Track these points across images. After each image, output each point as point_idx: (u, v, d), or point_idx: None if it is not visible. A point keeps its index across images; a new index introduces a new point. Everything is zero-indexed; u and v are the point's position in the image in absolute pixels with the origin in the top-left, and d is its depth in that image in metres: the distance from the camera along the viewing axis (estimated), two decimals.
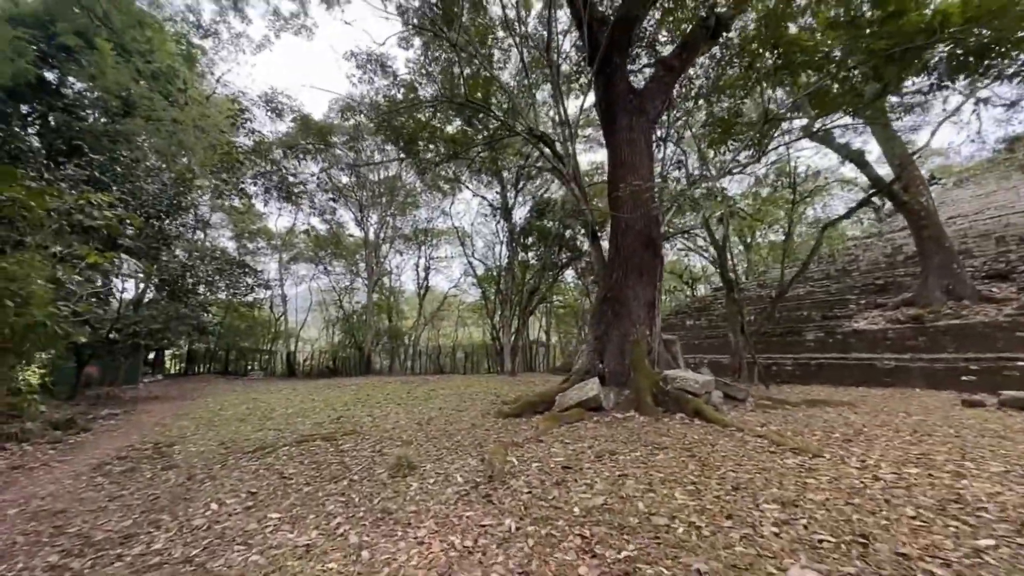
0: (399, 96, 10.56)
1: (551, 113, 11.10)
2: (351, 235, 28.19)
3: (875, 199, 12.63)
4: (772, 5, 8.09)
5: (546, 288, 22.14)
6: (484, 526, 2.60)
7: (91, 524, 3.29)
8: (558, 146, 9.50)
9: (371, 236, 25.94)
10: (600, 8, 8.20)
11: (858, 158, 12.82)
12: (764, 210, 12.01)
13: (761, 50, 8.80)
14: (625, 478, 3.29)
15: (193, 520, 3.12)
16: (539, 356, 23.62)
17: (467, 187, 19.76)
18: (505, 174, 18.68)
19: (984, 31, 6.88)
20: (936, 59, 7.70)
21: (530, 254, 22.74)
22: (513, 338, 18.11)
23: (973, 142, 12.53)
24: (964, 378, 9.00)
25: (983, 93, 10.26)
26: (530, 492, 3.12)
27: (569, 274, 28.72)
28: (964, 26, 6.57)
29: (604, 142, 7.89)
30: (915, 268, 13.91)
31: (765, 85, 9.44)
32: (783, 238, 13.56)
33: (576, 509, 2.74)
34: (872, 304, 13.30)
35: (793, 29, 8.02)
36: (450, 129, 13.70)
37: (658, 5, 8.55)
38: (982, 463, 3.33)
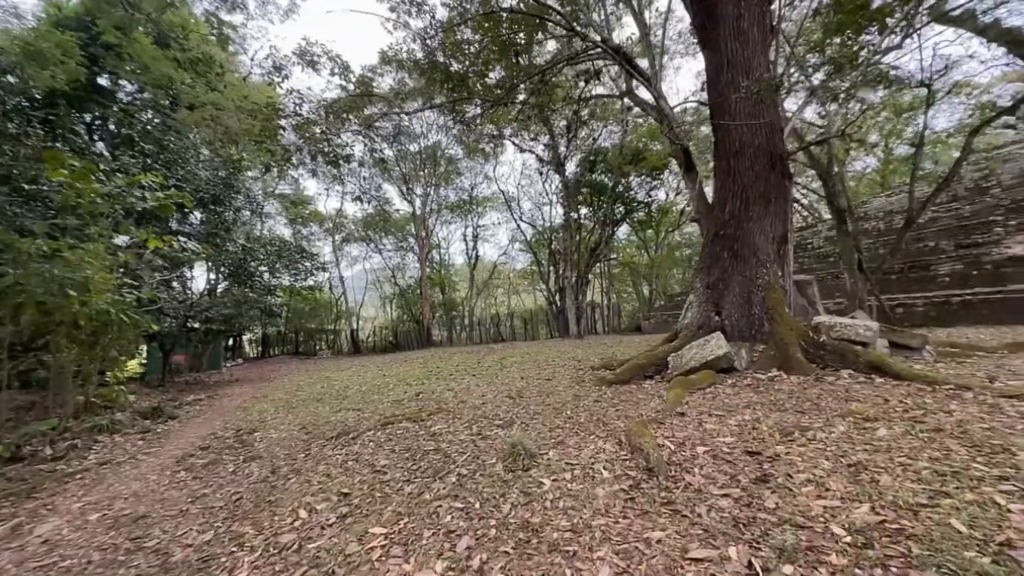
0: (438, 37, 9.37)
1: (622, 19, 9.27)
2: (398, 210, 27.90)
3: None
4: None
5: (604, 244, 20.64)
6: (696, 560, 1.67)
7: (171, 536, 2.77)
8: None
9: (417, 209, 25.44)
10: None
11: (1017, 37, 9.97)
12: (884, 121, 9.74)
13: None
14: (862, 469, 2.22)
15: (280, 535, 2.47)
16: (597, 317, 22.47)
17: (512, 142, 18.36)
18: (555, 123, 17.04)
19: None
20: None
21: (583, 211, 21.21)
22: (577, 299, 17.03)
23: None
24: None
25: None
26: (725, 494, 2.15)
27: (622, 231, 26.90)
28: None
29: (699, 43, 6.31)
30: None
31: None
32: (911, 149, 11.15)
33: (837, 529, 1.73)
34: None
35: None
36: (493, 76, 12.35)
37: None
38: None
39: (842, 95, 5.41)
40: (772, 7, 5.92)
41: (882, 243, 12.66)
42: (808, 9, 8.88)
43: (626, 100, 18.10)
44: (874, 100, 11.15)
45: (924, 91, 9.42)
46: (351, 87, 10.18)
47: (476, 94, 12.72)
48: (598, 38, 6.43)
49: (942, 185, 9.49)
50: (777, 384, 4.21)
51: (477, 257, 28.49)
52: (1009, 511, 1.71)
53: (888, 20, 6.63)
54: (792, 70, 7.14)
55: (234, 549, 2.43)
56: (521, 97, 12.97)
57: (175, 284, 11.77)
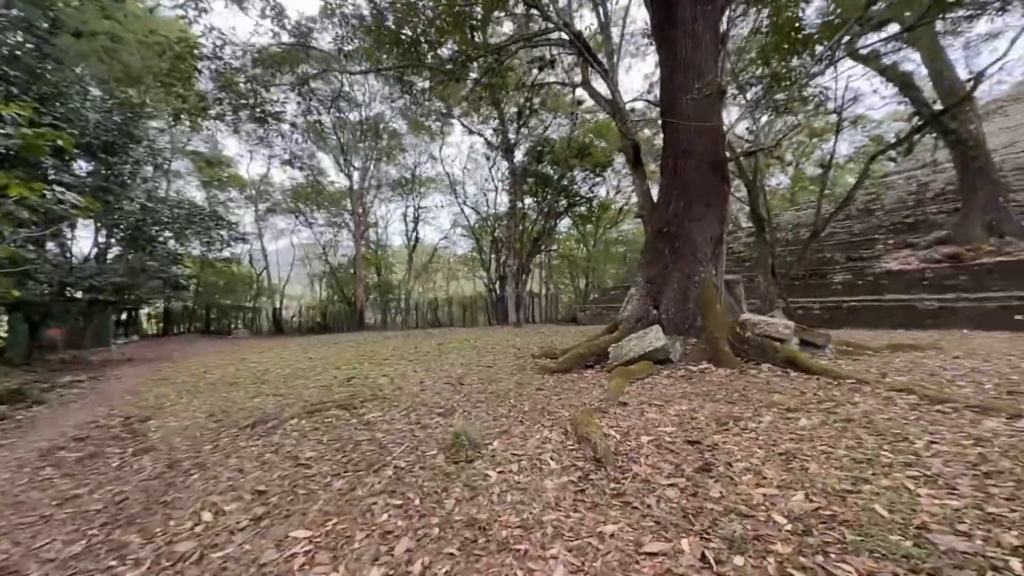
0: None
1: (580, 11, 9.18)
2: (333, 182, 26.01)
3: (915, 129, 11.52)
4: None
5: (546, 235, 20.92)
6: (650, 554, 1.63)
7: (24, 549, 2.24)
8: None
9: (355, 183, 23.89)
10: None
11: (908, 81, 11.52)
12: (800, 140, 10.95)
13: None
14: (792, 457, 2.36)
15: (176, 544, 2.09)
16: (535, 307, 22.86)
17: (461, 122, 17.79)
18: (506, 108, 16.74)
19: None
20: None
21: (527, 200, 21.30)
22: (518, 287, 17.10)
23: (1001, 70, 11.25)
24: (1017, 317, 8.47)
25: None
26: (672, 484, 2.17)
27: (563, 224, 27.45)
28: None
29: (656, 44, 6.43)
30: (947, 205, 13.16)
31: None
32: (819, 170, 12.49)
33: (778, 517, 1.79)
34: (902, 243, 12.60)
35: None
36: (445, 52, 11.74)
37: None
38: None
39: (782, 107, 5.79)
40: (724, 16, 6.16)
41: (789, 252, 14.14)
42: (748, 28, 9.50)
43: (579, 92, 18.35)
44: (798, 120, 12.31)
45: (835, 117, 10.57)
46: (285, 36, 9.08)
47: (426, 65, 12.07)
48: (560, 21, 6.30)
49: (843, 204, 10.74)
50: (708, 376, 4.46)
51: (417, 239, 27.53)
52: (919, 495, 1.87)
53: (817, 48, 7.25)
54: (731, 85, 7.57)
55: (113, 563, 2.01)
56: (473, 76, 12.55)
57: (50, 244, 9.90)
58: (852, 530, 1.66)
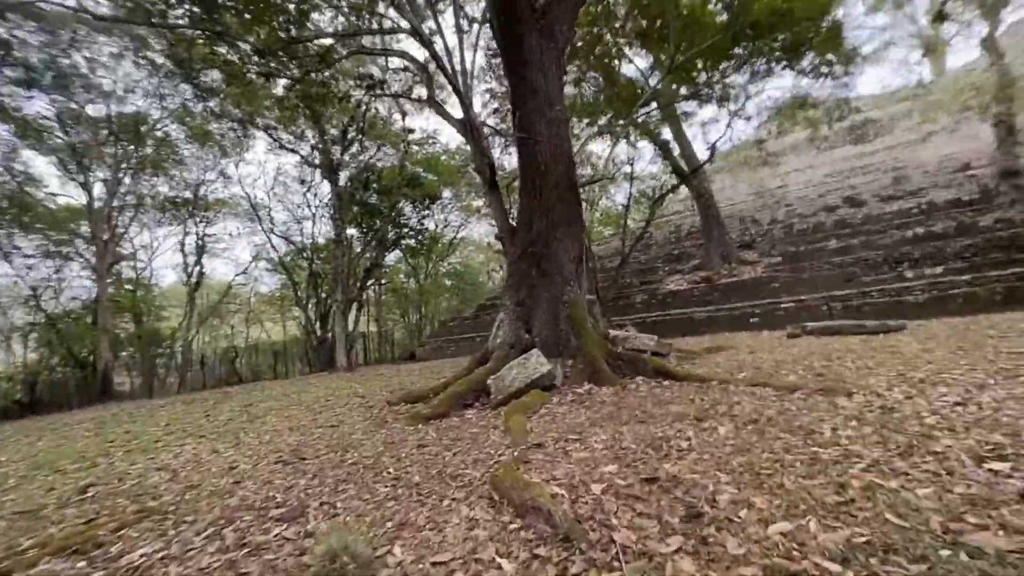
0: None
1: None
2: (54, 195, 18.45)
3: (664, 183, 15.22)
4: None
5: (377, 267, 19.26)
6: None
7: None
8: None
9: (97, 200, 17.45)
10: None
11: (665, 147, 15.16)
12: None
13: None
14: (757, 474, 2.15)
15: None
16: (365, 348, 20.58)
17: (269, 135, 15.01)
18: (328, 124, 14.91)
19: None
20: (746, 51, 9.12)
21: (352, 231, 19.37)
22: (350, 327, 14.91)
23: (730, 143, 16.19)
24: (752, 320, 11.58)
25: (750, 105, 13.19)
26: (676, 549, 1.63)
27: (390, 257, 26.11)
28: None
29: (505, 70, 6.46)
30: (695, 241, 17.63)
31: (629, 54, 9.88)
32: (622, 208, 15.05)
33: (823, 561, 1.43)
34: (673, 270, 16.17)
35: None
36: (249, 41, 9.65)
37: None
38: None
39: (621, 136, 6.43)
40: (564, 54, 6.65)
41: (602, 277, 16.48)
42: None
43: (406, 123, 17.96)
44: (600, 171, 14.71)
45: (628, 168, 13.01)
46: None
47: (215, 61, 9.71)
48: (410, 27, 5.68)
49: (639, 238, 13.07)
50: (597, 396, 4.27)
51: (202, 275, 21.69)
52: (906, 488, 1.81)
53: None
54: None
55: None
56: (285, 80, 10.71)
57: None
58: (907, 557, 1.40)
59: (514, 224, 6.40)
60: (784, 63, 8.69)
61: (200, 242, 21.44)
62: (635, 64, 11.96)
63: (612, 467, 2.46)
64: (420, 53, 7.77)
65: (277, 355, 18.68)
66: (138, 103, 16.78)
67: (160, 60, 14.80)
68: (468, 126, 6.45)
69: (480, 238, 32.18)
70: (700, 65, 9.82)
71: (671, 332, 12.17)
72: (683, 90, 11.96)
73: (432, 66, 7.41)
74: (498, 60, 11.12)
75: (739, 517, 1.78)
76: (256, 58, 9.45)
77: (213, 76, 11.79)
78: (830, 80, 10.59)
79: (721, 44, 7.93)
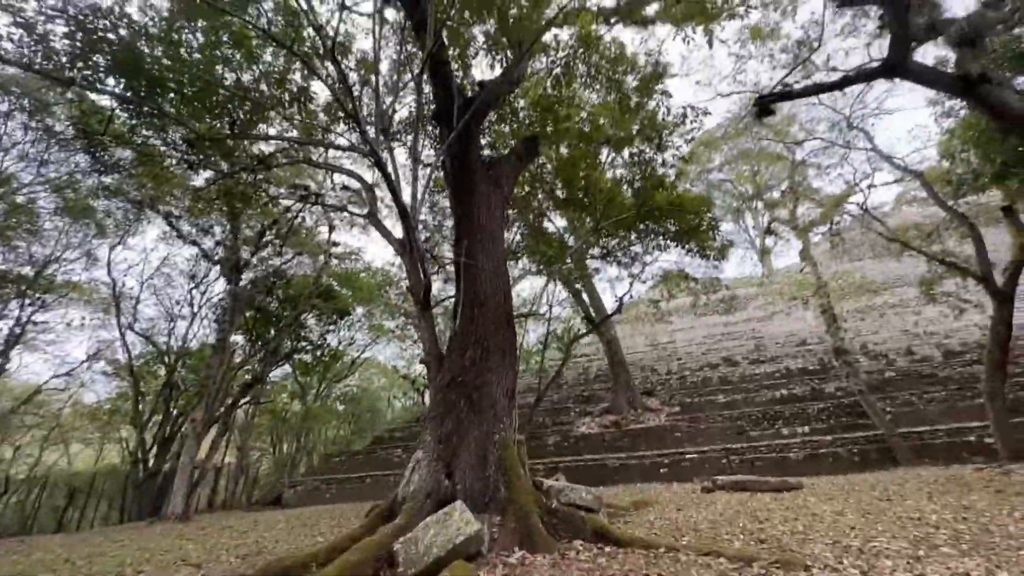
0: None
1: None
2: None
3: (582, 329, 16.40)
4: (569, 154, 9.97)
5: (260, 382, 16.39)
6: None
7: None
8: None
9: None
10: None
11: (578, 295, 16.74)
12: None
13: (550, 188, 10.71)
14: None
15: None
16: (207, 485, 16.13)
17: (170, 223, 13.52)
18: (243, 226, 14.02)
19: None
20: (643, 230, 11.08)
21: (238, 337, 16.93)
22: (201, 455, 11.69)
23: (631, 298, 18.45)
24: (662, 471, 11.52)
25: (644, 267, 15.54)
26: None
27: (277, 372, 22.90)
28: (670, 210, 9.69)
29: (453, 205, 6.85)
30: (603, 384, 18.36)
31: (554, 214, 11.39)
32: (539, 346, 15.38)
33: None
34: (583, 412, 16.25)
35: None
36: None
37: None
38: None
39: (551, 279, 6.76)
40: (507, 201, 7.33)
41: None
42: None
43: (331, 236, 17.73)
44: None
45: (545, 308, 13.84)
46: None
47: (131, 141, 9.09)
48: (367, 146, 5.85)
49: (555, 377, 13.14)
50: (535, 572, 3.49)
51: (1, 371, 16.43)
52: None
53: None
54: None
55: None
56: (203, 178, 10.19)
57: None
58: None
59: (443, 350, 5.99)
60: (675, 243, 10.68)
61: (18, 329, 16.80)
62: (554, 224, 13.89)
63: None
64: (368, 173, 8.05)
65: (74, 494, 13.62)
66: (7, 162, 14.46)
67: (59, 127, 13.47)
68: (408, 246, 6.41)
69: (387, 360, 30.20)
70: (611, 233, 11.58)
71: (587, 479, 11.53)
72: (596, 251, 13.81)
73: (378, 188, 7.62)
74: (439, 195, 12.04)
75: None
76: (184, 146, 9.01)
77: (121, 154, 10.84)
78: (706, 261, 13.15)
79: (629, 220, 9.56)
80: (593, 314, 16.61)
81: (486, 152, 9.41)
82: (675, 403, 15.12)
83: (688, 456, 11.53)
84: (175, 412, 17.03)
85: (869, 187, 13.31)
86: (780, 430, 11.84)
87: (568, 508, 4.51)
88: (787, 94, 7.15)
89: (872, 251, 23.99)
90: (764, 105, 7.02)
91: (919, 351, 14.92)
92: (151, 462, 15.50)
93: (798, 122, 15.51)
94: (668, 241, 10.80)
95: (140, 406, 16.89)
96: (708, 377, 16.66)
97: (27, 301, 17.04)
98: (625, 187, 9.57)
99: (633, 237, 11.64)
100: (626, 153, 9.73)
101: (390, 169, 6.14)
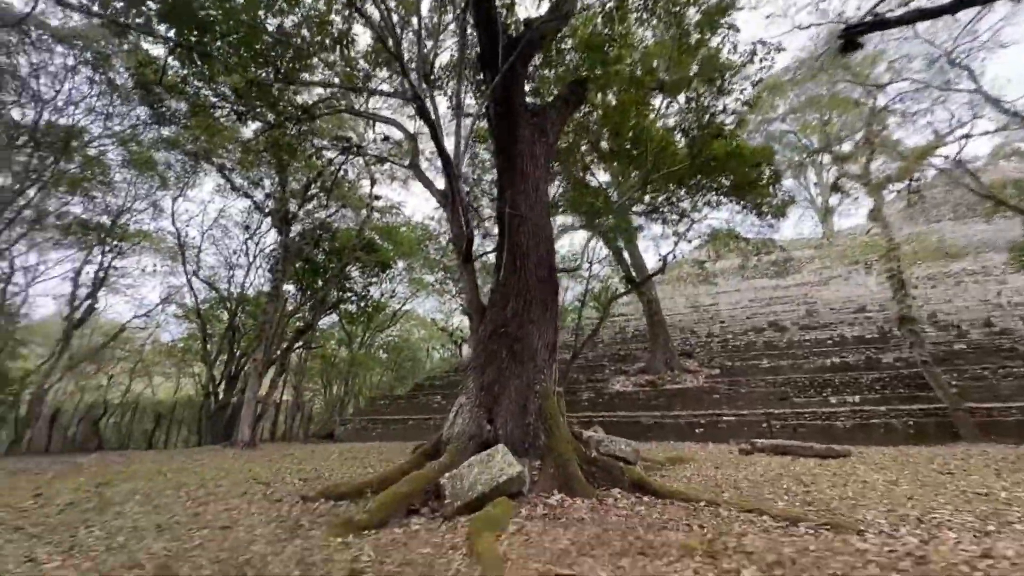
0: None
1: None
2: None
3: (620, 288, 16.09)
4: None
5: (311, 329, 17.51)
6: None
7: None
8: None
9: None
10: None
11: (619, 253, 16.27)
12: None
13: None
14: None
15: None
16: (268, 419, 17.79)
17: (224, 175, 14.12)
18: (291, 178, 14.41)
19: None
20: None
21: (289, 286, 17.92)
22: (262, 392, 12.85)
23: (674, 258, 17.75)
24: (697, 431, 11.50)
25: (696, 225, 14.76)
26: None
27: (325, 320, 24.24)
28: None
29: (496, 152, 6.62)
30: (640, 344, 18.20)
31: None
32: (577, 303, 15.33)
33: None
34: (619, 370, 16.27)
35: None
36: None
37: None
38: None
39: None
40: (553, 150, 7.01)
41: None
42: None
43: (373, 190, 17.94)
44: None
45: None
46: None
47: (184, 92, 9.30)
48: (410, 91, 5.69)
49: (592, 334, 13.17)
50: (573, 512, 3.61)
51: (92, 310, 18.42)
52: None
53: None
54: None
55: None
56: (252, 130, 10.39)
57: None
58: None
59: (486, 302, 6.03)
60: (730, 199, 9.94)
61: (102, 273, 18.58)
62: (596, 179, 13.28)
63: None
64: (409, 123, 7.89)
65: (160, 419, 15.46)
66: (77, 116, 15.38)
67: (119, 80, 14.05)
68: (451, 197, 6.34)
69: (425, 314, 31.25)
70: (659, 188, 10.95)
71: (619, 435, 11.68)
72: (641, 207, 13.18)
73: (420, 138, 7.49)
74: (480, 147, 11.74)
75: None
76: (232, 96, 9.16)
77: (176, 106, 11.21)
78: (760, 220, 12.27)
79: (680, 172, 8.94)
80: (634, 273, 16.16)
81: (530, 100, 8.96)
82: (715, 365, 14.79)
83: (725, 418, 11.39)
84: (238, 352, 18.62)
85: (964, 137, 11.68)
86: (828, 398, 11.37)
87: (607, 458, 4.59)
88: (881, 23, 6.16)
89: (954, 212, 21.50)
90: (851, 37, 6.08)
91: (1000, 323, 13.57)
92: (220, 395, 17.25)
93: (885, 60, 13.58)
94: (721, 196, 10.09)
95: (208, 346, 18.59)
96: (752, 341, 16.07)
97: (107, 248, 18.72)
98: (679, 136, 8.88)
99: (682, 192, 10.97)
100: (682, 98, 8.95)
101: (432, 116, 5.97)
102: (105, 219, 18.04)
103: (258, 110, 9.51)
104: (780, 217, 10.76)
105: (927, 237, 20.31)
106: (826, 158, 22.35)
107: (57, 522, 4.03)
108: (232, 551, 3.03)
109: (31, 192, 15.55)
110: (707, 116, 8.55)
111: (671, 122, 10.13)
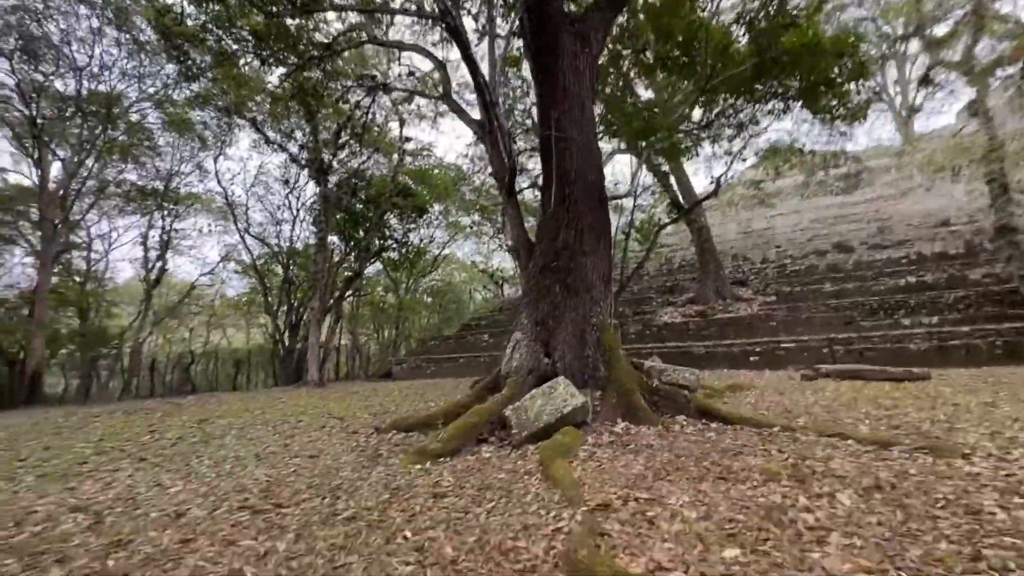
0: None
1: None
2: (2, 170, 16.78)
3: (664, 218, 15.20)
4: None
5: (358, 277, 18.20)
6: None
7: None
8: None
9: (52, 181, 15.94)
10: None
11: (665, 178, 15.18)
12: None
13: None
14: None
15: None
16: (330, 362, 19.19)
17: (257, 128, 14.12)
18: (321, 125, 14.18)
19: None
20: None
21: (333, 238, 18.38)
22: (323, 337, 13.77)
23: (726, 181, 16.37)
24: (751, 359, 11.23)
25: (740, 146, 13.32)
26: None
27: (370, 269, 24.98)
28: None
29: (534, 71, 6.01)
30: (687, 275, 17.54)
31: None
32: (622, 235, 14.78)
33: None
34: (666, 302, 15.89)
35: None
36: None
37: None
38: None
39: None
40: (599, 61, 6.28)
41: None
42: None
43: (403, 132, 17.40)
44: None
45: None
46: None
47: (204, 40, 9.02)
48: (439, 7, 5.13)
49: (640, 264, 12.70)
50: (641, 439, 3.61)
51: (164, 272, 20.00)
52: None
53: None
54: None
55: None
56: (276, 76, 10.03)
57: None
58: None
59: (532, 237, 5.81)
60: (802, 103, 8.67)
61: (165, 237, 19.88)
62: (638, 97, 12.01)
63: (734, 551, 1.78)
64: (436, 51, 7.26)
65: (239, 364, 17.12)
66: (113, 81, 15.61)
67: (143, 38, 13.91)
68: (488, 126, 5.92)
69: (464, 257, 31.55)
70: (713, 100, 9.77)
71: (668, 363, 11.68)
72: (689, 124, 11.94)
73: (449, 66, 6.90)
74: (511, 72, 10.83)
75: None
76: (252, 40, 8.80)
77: (201, 58, 11.00)
78: (831, 127, 10.80)
79: (744, 76, 7.81)
80: (681, 200, 15.15)
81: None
82: (770, 292, 14.07)
83: (783, 345, 10.96)
84: (296, 303, 19.86)
85: None
86: (900, 320, 10.59)
87: (669, 387, 4.52)
88: None
89: None
90: None
91: None
92: (287, 342, 18.74)
93: None
94: (789, 102, 8.84)
95: (268, 298, 19.90)
96: (813, 265, 15.01)
97: (165, 212, 19.83)
98: (742, 31, 7.68)
99: (741, 102, 9.72)
100: None
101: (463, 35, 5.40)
102: (158, 184, 18.94)
103: (280, 54, 9.15)
104: (858, 121, 9.38)
105: None
106: (913, 46, 19.05)
107: (172, 453, 4.57)
108: (324, 476, 3.30)
109: (89, 162, 16.41)
110: (776, 2, 7.26)
111: (728, 18, 8.76)
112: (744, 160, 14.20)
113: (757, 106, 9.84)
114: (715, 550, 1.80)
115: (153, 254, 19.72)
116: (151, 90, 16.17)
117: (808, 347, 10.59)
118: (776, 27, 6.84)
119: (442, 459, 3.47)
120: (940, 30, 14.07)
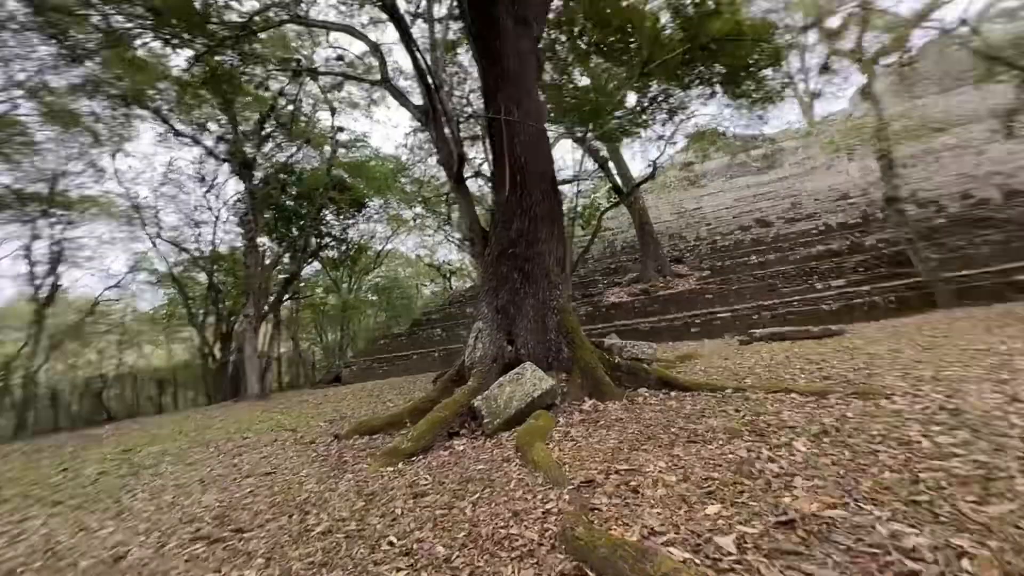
0: None
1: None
2: None
3: (611, 198, 15.79)
4: None
5: (297, 279, 17.02)
6: None
7: None
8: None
9: None
10: None
11: (604, 164, 15.66)
12: None
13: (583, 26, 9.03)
14: (929, 508, 1.72)
15: None
16: (278, 371, 17.97)
17: (162, 118, 12.55)
18: (240, 114, 12.89)
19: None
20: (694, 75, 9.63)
21: (263, 238, 17.01)
22: (263, 347, 12.74)
23: (660, 164, 17.23)
24: (692, 330, 12.04)
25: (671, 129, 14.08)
26: None
27: (307, 270, 23.53)
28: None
29: (477, 54, 5.85)
30: (630, 256, 18.36)
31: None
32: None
33: None
34: (612, 283, 16.55)
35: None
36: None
37: None
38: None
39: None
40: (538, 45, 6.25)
41: None
42: None
43: (335, 122, 16.33)
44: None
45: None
46: None
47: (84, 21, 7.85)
48: None
49: (585, 250, 13.10)
50: (609, 414, 3.72)
51: (56, 288, 17.40)
52: None
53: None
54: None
55: None
56: (184, 59, 8.98)
57: None
58: None
59: (485, 225, 5.73)
60: (726, 88, 9.30)
61: (56, 248, 17.26)
62: (574, 83, 12.23)
63: (715, 507, 1.88)
64: (368, 33, 6.82)
65: (162, 384, 15.43)
66: None
67: (5, 11, 11.76)
68: (433, 112, 5.70)
69: (409, 251, 30.66)
70: (647, 85, 10.17)
71: None
72: (624, 111, 12.35)
73: (385, 47, 6.53)
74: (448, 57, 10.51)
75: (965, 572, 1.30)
76: (149, 17, 7.74)
77: (85, 38, 9.51)
78: (750, 111, 11.72)
79: (674, 62, 8.20)
80: (620, 183, 15.74)
81: None
82: (704, 267, 15.12)
83: (719, 315, 11.86)
84: (225, 312, 18.20)
85: None
86: (814, 285, 11.84)
87: (630, 362, 4.70)
88: None
89: (939, 84, 20.97)
90: None
91: (977, 194, 13.91)
92: (217, 355, 17.16)
93: None
94: (716, 87, 9.44)
95: (191, 309, 18.06)
96: (740, 240, 16.32)
97: (53, 220, 17.18)
98: (671, 18, 8.01)
99: (672, 87, 10.22)
100: None
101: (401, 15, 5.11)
102: (40, 187, 16.32)
103: (185, 34, 8.13)
104: (774, 103, 10.25)
105: (909, 113, 19.99)
106: (811, 38, 21.07)
107: (94, 491, 4.01)
108: (286, 492, 3.06)
109: None
110: None
111: (657, 4, 9.12)
112: (675, 144, 15.01)
113: (686, 92, 10.41)
114: (699, 508, 1.89)
115: (41, 269, 17.06)
116: (20, 76, 13.76)
117: (740, 315, 11.54)
118: (701, 14, 7.21)
119: (415, 457, 3.35)
120: (834, 22, 15.69)
